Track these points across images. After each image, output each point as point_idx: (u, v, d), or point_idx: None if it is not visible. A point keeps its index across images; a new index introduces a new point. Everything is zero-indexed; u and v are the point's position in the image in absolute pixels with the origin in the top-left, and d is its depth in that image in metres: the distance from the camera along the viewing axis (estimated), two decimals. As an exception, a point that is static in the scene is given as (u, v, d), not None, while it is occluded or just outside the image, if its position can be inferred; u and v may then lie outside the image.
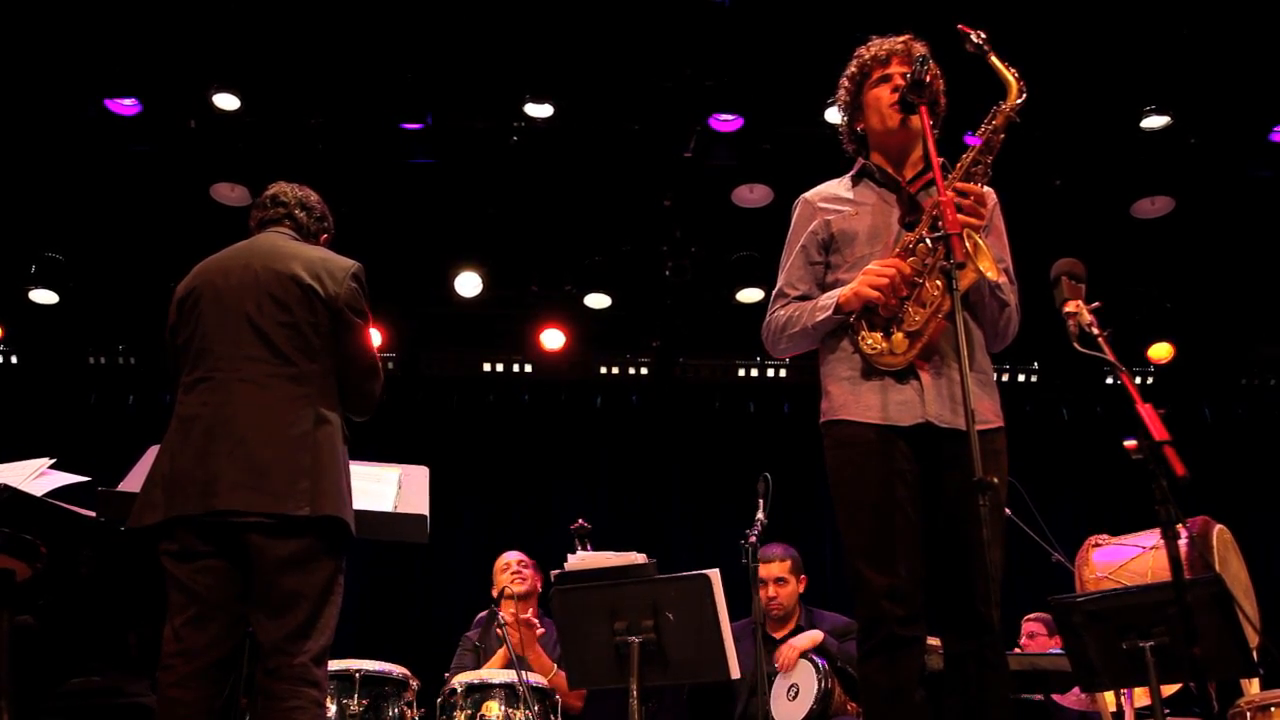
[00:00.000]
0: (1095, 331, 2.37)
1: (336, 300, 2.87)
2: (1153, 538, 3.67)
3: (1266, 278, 6.93)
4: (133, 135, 5.93)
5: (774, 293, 2.97)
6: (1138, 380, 7.60)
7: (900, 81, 2.79)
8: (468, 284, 6.83)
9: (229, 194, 6.23)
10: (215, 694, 2.69)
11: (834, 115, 3.10)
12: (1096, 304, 2.43)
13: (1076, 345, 2.38)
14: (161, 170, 6.17)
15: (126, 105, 5.76)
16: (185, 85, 5.71)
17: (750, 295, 6.91)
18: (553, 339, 7.28)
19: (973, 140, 2.79)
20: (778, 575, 4.60)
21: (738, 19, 5.46)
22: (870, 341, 2.72)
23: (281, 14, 5.38)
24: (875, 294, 2.68)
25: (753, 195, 6.39)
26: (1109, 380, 7.59)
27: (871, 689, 2.64)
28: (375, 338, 3.10)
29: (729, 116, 5.92)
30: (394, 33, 5.53)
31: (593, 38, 5.60)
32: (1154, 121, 5.84)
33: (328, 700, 2.92)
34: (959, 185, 2.68)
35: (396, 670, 3.92)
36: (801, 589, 4.70)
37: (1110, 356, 2.32)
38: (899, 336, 2.70)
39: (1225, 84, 5.75)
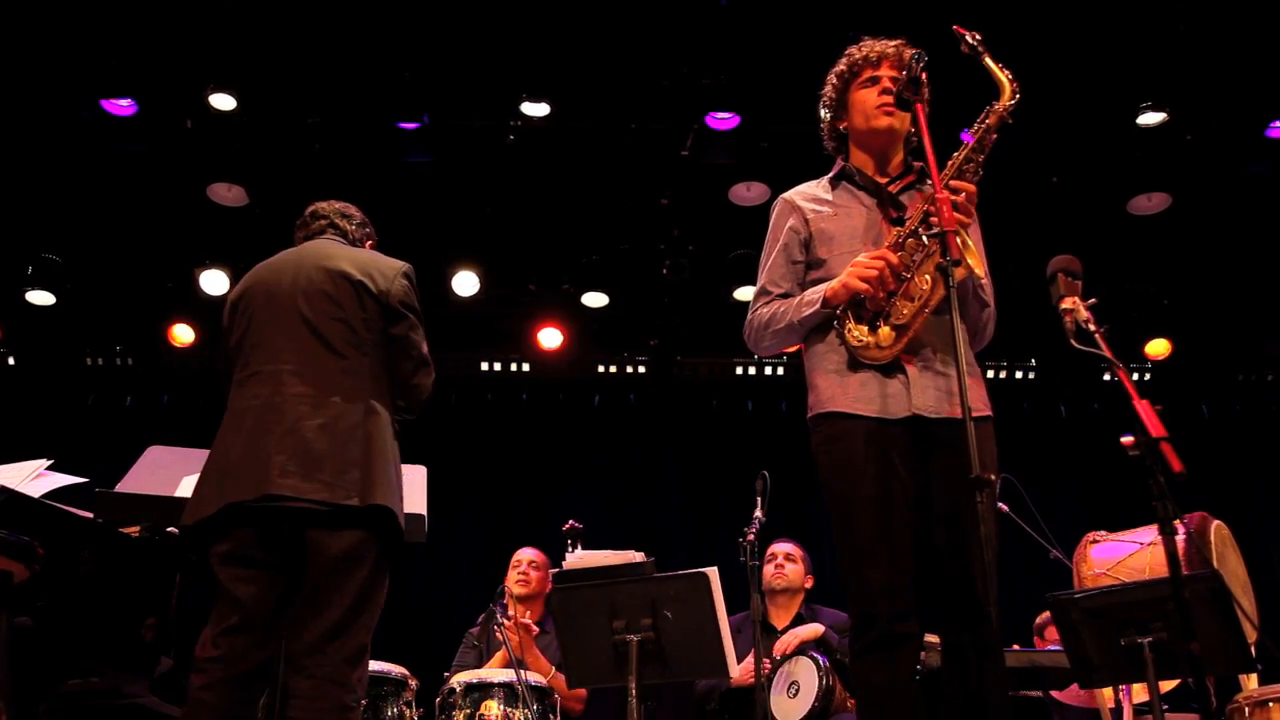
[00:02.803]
0: (1092, 328, 2.37)
1: (388, 296, 2.91)
2: (1150, 534, 3.67)
3: (1264, 274, 6.93)
4: (129, 135, 5.92)
5: (756, 291, 2.98)
6: (1135, 377, 7.60)
7: (889, 84, 2.82)
8: (465, 283, 6.82)
9: (226, 194, 6.23)
10: (245, 700, 2.68)
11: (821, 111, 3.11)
12: (1093, 300, 2.44)
13: (1073, 342, 2.39)
14: (158, 170, 6.16)
15: (123, 105, 5.75)
16: (182, 85, 5.70)
17: (748, 293, 6.82)
18: (550, 338, 7.27)
19: (967, 138, 2.79)
20: (788, 551, 4.69)
21: (735, 17, 5.46)
22: (856, 334, 2.72)
23: (278, 13, 5.37)
24: (864, 286, 2.68)
25: (750, 193, 6.38)
26: (1106, 377, 7.59)
27: (866, 686, 2.64)
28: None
29: (726, 115, 5.92)
30: (391, 32, 5.53)
31: (590, 36, 5.60)
32: (1150, 118, 5.83)
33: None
34: (952, 183, 2.68)
35: (395, 670, 3.92)
36: (809, 586, 4.75)
37: (1107, 353, 2.32)
38: (885, 330, 2.70)
39: (1222, 80, 5.75)
